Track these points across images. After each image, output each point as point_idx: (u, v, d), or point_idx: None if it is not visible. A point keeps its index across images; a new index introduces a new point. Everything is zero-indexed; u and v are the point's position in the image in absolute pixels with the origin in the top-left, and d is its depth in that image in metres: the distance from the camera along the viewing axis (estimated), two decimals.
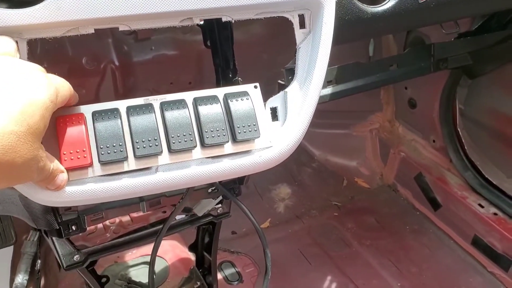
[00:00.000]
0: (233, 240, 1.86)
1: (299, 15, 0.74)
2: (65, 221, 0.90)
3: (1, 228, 1.34)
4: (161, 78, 1.72)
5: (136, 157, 0.63)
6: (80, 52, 1.57)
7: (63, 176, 0.61)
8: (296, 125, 0.71)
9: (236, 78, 0.87)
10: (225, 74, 0.92)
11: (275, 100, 0.74)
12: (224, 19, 0.71)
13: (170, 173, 0.66)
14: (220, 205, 1.15)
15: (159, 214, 1.41)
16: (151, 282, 1.02)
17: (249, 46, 1.75)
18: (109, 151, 0.62)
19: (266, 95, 0.75)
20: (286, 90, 0.73)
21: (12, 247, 1.62)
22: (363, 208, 2.05)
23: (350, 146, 2.21)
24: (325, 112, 2.12)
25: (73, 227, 0.91)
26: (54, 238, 0.96)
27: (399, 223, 1.95)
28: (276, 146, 0.71)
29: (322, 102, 1.33)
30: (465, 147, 1.80)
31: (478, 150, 1.78)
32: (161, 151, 0.64)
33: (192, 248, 1.37)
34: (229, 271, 1.72)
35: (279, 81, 0.84)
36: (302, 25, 0.74)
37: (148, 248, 1.48)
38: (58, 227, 0.89)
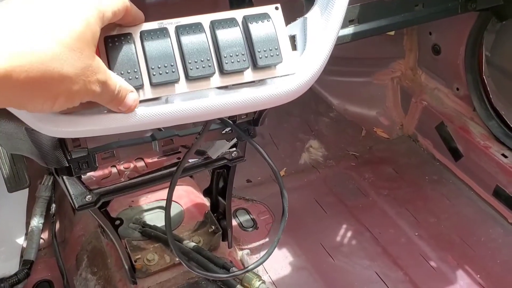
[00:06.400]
0: (248, 188, 1.85)
1: None
2: (75, 158, 0.87)
3: (15, 170, 1.33)
4: None
5: (152, 84, 0.60)
6: None
7: (133, 96, 0.57)
8: (316, 54, 0.66)
9: None
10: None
11: (294, 28, 0.68)
12: None
13: (185, 103, 0.62)
14: (234, 148, 1.12)
15: (174, 160, 1.39)
16: (168, 221, 0.99)
17: None
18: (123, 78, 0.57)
19: None
20: (305, 16, 0.68)
21: (27, 191, 1.63)
22: (381, 158, 2.00)
23: (370, 95, 2.13)
24: (344, 59, 2.04)
25: (84, 166, 0.89)
26: (65, 177, 0.94)
27: (418, 174, 1.90)
28: (295, 77, 0.66)
29: (344, 42, 1.27)
30: (490, 96, 1.73)
31: (503, 99, 1.70)
32: (178, 78, 0.60)
33: (206, 193, 1.35)
34: (244, 217, 1.71)
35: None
36: None
37: (162, 193, 1.47)
38: (68, 165, 0.87)
